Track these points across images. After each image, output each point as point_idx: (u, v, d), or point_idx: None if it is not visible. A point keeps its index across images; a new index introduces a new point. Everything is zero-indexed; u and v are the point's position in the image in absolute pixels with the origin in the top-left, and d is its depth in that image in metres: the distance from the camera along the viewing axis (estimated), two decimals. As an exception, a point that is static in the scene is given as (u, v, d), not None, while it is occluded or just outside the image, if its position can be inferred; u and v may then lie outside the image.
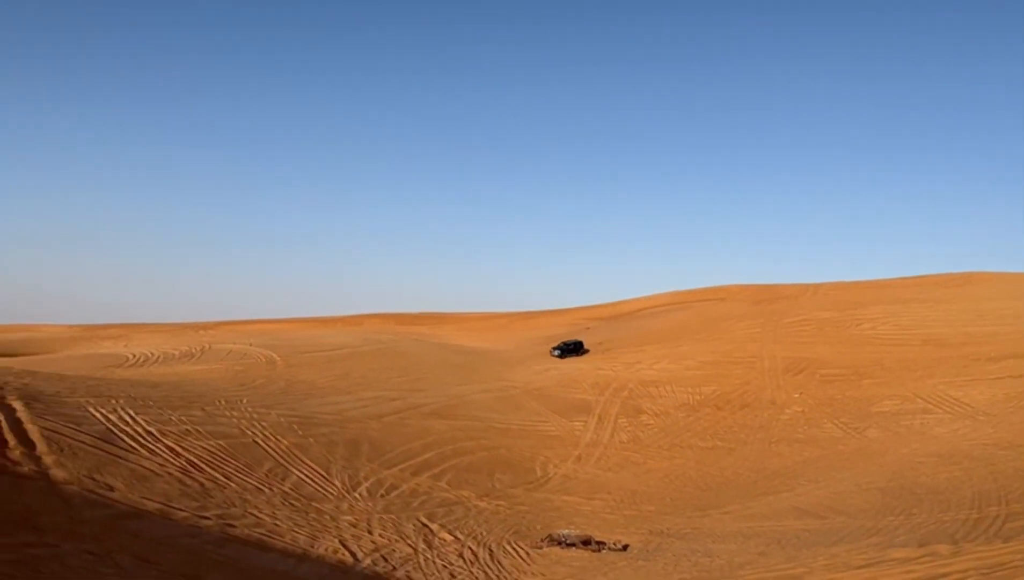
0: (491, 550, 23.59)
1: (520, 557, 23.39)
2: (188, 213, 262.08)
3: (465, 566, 21.62)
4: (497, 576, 21.26)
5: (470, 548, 23.40)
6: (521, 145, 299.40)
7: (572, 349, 59.55)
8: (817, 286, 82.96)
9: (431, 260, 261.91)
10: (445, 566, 21.33)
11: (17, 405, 23.78)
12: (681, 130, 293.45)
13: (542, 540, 25.50)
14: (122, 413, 27.31)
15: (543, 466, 36.36)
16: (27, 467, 19.14)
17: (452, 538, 24.12)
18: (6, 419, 21.91)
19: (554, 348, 60.91)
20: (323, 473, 27.72)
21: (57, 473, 19.43)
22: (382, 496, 27.26)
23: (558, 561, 23.26)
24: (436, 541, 23.60)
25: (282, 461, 27.65)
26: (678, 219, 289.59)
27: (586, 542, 25.24)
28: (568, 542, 25.16)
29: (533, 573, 21.78)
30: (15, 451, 19.72)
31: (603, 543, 25.25)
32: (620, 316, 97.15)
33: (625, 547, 25.00)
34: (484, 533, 25.39)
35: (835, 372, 49.69)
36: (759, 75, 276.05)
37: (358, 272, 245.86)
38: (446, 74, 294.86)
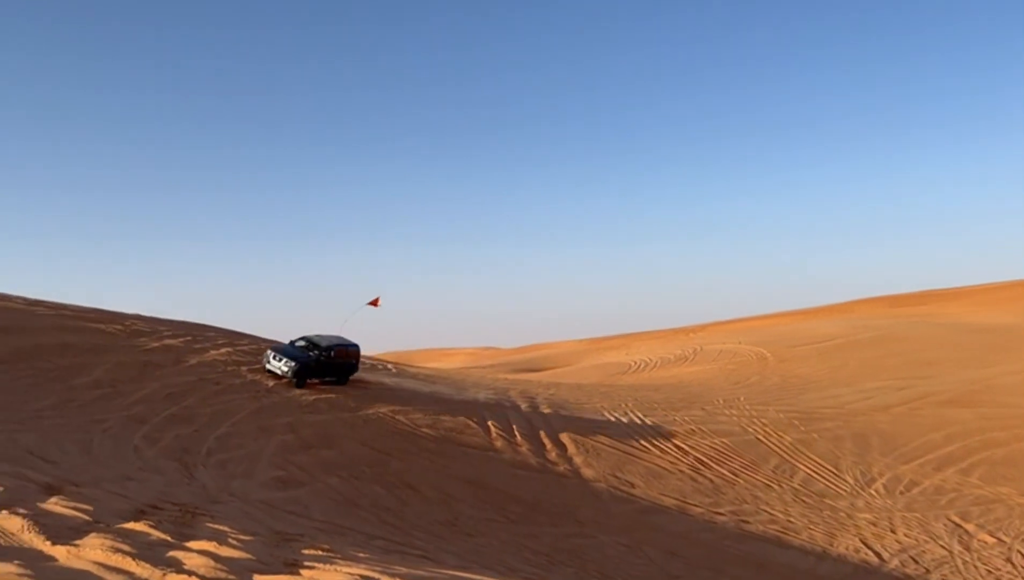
0: (1049, 556, 20.33)
1: (1093, 566, 19.74)
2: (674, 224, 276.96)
3: (1015, 572, 18.96)
4: (1062, 587, 18.21)
5: (1020, 552, 20.46)
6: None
7: (318, 365, 24.68)
8: None
9: (922, 236, 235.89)
10: (990, 571, 18.96)
11: (548, 412, 27.80)
12: None
13: (1121, 547, 21.20)
14: (632, 415, 29.98)
15: (1110, 458, 30.04)
16: (562, 467, 22.21)
17: (994, 540, 21.36)
18: (542, 425, 25.81)
19: (273, 353, 24.78)
20: (832, 469, 26.81)
21: (586, 471, 22.17)
22: (901, 493, 25.32)
23: None
24: (974, 543, 21.11)
25: (787, 458, 27.46)
26: None
27: None
28: None
29: (1114, 587, 18.20)
30: (551, 453, 23.06)
31: None
32: None
33: None
34: (1036, 536, 21.95)
35: None
36: None
37: (843, 258, 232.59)
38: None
